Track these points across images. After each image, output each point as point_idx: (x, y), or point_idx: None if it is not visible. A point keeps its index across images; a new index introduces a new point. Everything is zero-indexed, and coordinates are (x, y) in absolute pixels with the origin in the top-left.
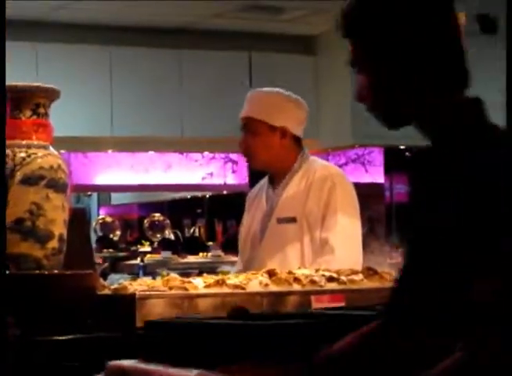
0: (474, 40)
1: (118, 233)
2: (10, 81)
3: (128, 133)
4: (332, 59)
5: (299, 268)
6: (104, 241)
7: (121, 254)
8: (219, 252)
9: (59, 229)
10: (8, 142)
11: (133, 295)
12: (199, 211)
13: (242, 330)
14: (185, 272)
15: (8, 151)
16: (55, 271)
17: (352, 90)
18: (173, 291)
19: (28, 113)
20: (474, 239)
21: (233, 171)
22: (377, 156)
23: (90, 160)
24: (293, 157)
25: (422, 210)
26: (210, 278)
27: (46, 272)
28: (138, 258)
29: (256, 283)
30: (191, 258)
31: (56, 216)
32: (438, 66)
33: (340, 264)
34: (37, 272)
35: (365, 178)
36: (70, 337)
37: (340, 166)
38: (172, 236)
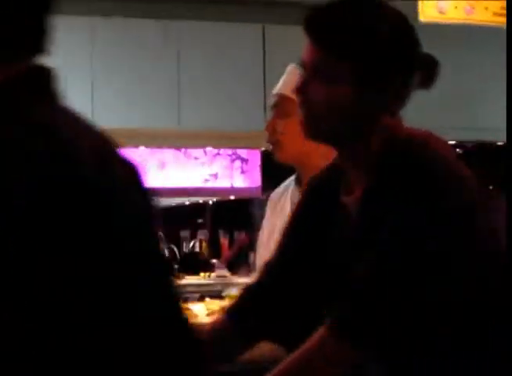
0: None
1: None
2: None
3: (111, 124)
4: None
5: None
6: None
7: None
8: (225, 272)
9: None
10: None
11: None
12: (200, 220)
13: None
14: (183, 296)
15: None
16: None
17: None
18: None
19: None
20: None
21: (242, 172)
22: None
23: None
24: (332, 153)
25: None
26: (215, 304)
27: None
28: None
29: None
30: (190, 280)
31: None
32: None
33: None
34: None
35: None
36: None
37: None
38: (167, 253)
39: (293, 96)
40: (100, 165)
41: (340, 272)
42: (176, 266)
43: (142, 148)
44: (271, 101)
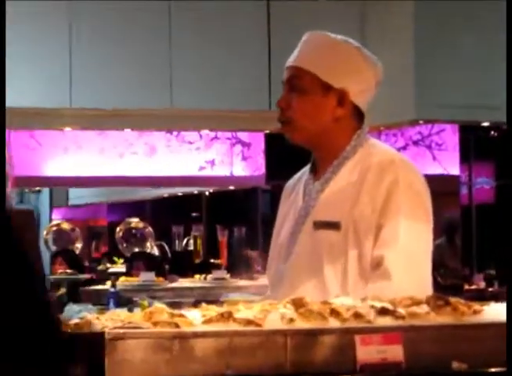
0: None
1: (79, 245)
2: None
3: (94, 104)
4: (384, 6)
5: (337, 296)
6: (60, 258)
7: (84, 276)
8: (223, 274)
9: None
10: None
11: (101, 335)
12: (195, 214)
13: None
14: (176, 301)
15: None
16: None
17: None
18: (158, 329)
19: None
20: None
21: (244, 158)
22: (450, 136)
23: (39, 141)
24: (348, 136)
25: None
26: (212, 310)
27: None
28: (108, 282)
29: (277, 317)
30: (184, 282)
31: None
32: None
33: (399, 295)
34: None
35: (433, 169)
36: None
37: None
38: (156, 251)
39: (312, 69)
40: None
41: None
42: (167, 267)
43: (127, 131)
44: (284, 75)
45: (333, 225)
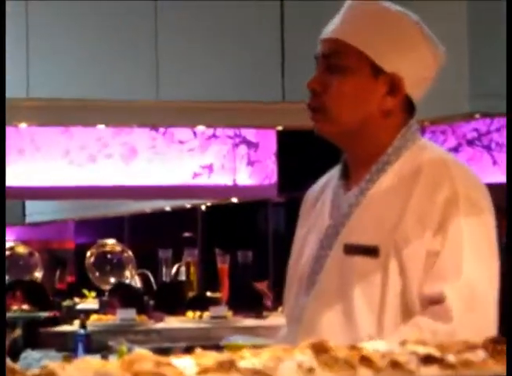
0: None
1: (39, 275)
2: None
3: (58, 94)
4: None
5: (371, 338)
6: (14, 291)
7: (45, 313)
8: (224, 311)
9: None
10: None
11: None
12: (187, 235)
13: None
14: (163, 346)
15: None
16: None
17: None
18: None
19: None
20: None
21: (250, 163)
22: None
23: None
24: (394, 132)
25: None
26: (209, 357)
27: None
28: (77, 322)
29: (292, 366)
30: (173, 322)
31: None
32: None
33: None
34: None
35: (494, 176)
36: None
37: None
38: (138, 282)
39: (359, 45)
40: None
41: None
42: (151, 302)
43: (100, 127)
44: (317, 49)
45: (370, 251)
